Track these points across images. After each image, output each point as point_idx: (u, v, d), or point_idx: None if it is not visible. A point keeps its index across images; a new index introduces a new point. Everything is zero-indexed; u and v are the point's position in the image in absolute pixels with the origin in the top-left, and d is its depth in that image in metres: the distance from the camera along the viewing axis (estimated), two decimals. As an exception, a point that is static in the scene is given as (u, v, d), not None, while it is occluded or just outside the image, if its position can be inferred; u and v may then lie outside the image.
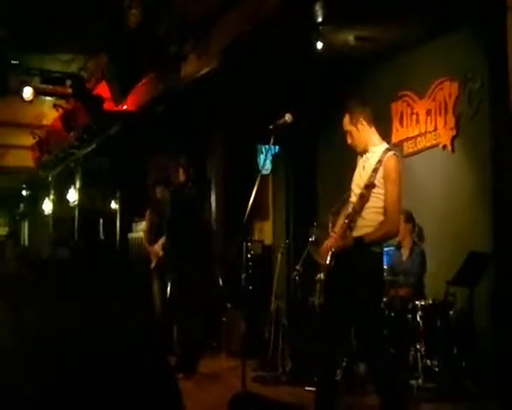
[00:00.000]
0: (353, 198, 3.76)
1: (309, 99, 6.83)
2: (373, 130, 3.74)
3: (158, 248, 6.51)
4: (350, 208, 3.75)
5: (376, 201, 3.63)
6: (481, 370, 4.84)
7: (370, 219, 3.65)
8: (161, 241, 6.51)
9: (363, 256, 3.60)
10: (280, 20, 5.30)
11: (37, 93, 8.13)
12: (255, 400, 4.42)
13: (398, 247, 5.62)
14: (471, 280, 4.99)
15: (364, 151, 3.75)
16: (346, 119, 3.72)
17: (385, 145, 3.74)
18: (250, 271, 5.68)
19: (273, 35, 5.62)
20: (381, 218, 3.64)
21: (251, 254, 6.39)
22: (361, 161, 3.78)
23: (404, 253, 5.60)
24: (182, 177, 6.11)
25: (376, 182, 3.62)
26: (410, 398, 4.37)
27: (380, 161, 3.63)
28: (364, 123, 3.68)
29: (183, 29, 6.25)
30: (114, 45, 6.86)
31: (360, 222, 3.65)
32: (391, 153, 3.67)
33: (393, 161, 3.63)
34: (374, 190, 3.62)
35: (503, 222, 4.39)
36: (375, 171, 3.62)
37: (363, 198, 3.63)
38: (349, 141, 3.75)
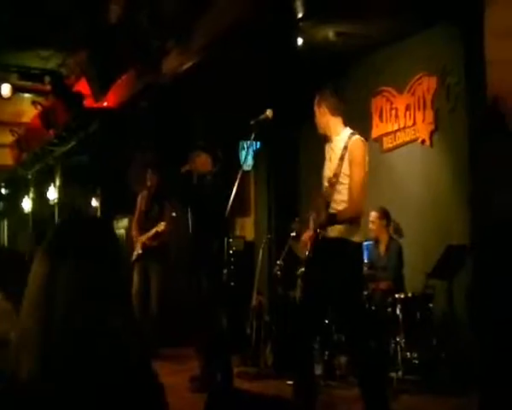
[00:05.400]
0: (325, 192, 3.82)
1: (290, 94, 6.85)
2: (337, 119, 3.84)
3: (144, 238, 6.49)
4: (322, 200, 3.80)
5: (347, 192, 3.68)
6: (461, 361, 4.89)
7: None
8: (151, 233, 6.45)
9: (343, 247, 3.64)
10: (261, 16, 5.31)
11: (16, 90, 8.03)
12: (237, 394, 4.42)
13: (376, 242, 5.70)
14: (449, 273, 5.05)
15: (326, 136, 3.87)
16: (315, 100, 3.93)
17: (348, 130, 3.81)
18: (232, 266, 5.67)
19: (254, 31, 5.62)
20: None
21: (233, 250, 6.39)
22: (327, 153, 3.87)
23: (381, 248, 5.68)
24: (208, 166, 5.29)
25: (344, 170, 3.67)
26: (390, 390, 4.41)
27: (345, 147, 3.70)
28: (326, 110, 3.84)
29: (165, 24, 6.22)
30: (94, 41, 6.80)
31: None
32: (355, 137, 3.75)
33: (358, 145, 3.72)
34: (343, 181, 3.66)
35: (479, 215, 4.45)
36: (342, 158, 3.68)
37: (334, 187, 3.68)
38: (315, 119, 3.94)
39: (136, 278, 6.55)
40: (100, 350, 1.09)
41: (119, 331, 1.13)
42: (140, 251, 6.52)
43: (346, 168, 3.66)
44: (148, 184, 6.66)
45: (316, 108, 3.92)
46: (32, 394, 1.05)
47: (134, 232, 6.70)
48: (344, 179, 3.68)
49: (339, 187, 3.68)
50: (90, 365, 1.07)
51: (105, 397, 1.08)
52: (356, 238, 3.72)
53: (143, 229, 6.58)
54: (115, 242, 1.26)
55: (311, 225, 3.90)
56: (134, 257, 6.59)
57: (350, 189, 3.65)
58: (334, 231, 3.70)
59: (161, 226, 6.38)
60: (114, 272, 1.18)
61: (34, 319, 1.09)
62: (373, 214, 5.58)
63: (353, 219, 3.72)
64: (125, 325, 1.16)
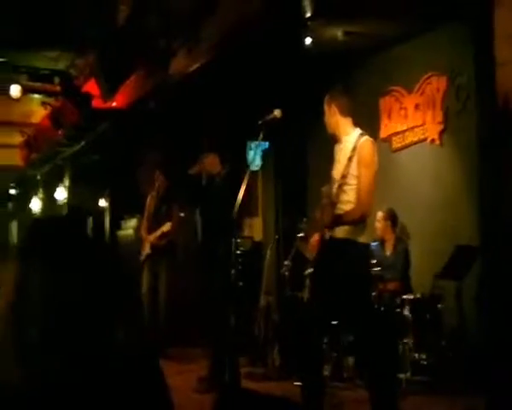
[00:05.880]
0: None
1: (298, 94, 6.83)
2: (346, 120, 3.80)
3: (152, 237, 6.51)
4: (328, 200, 3.78)
5: (354, 193, 3.66)
6: (469, 363, 4.86)
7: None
8: (158, 233, 6.47)
9: (349, 248, 3.63)
10: (269, 15, 5.30)
11: (25, 91, 8.06)
12: (245, 395, 4.40)
13: (381, 243, 5.68)
14: (458, 274, 5.02)
15: (335, 137, 3.83)
16: (325, 99, 3.87)
17: (358, 131, 3.77)
18: (240, 267, 5.66)
19: (262, 30, 5.61)
20: None
21: (240, 251, 6.37)
22: (336, 154, 3.84)
23: (388, 249, 5.68)
24: (217, 166, 5.27)
25: (352, 171, 3.63)
26: (399, 391, 4.38)
27: (354, 149, 3.67)
28: (335, 109, 3.78)
29: (173, 25, 6.22)
30: (103, 42, 6.82)
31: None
32: (365, 138, 3.71)
33: (368, 146, 3.68)
34: (350, 182, 3.64)
35: (489, 215, 4.42)
36: (351, 159, 3.65)
37: (341, 188, 3.66)
38: (324, 119, 3.89)
39: (144, 277, 6.58)
40: (90, 353, 1.07)
41: (111, 334, 1.11)
42: (149, 251, 6.55)
43: (354, 169, 3.64)
44: (156, 184, 6.70)
45: (325, 108, 3.86)
46: (9, 395, 1.04)
47: (143, 233, 6.73)
48: (351, 180, 3.66)
49: (346, 187, 3.66)
50: (83, 368, 1.06)
51: (108, 398, 1.07)
52: (362, 239, 3.71)
53: (152, 229, 6.61)
54: (92, 241, 1.23)
55: (316, 224, 3.89)
56: (143, 257, 6.62)
57: (358, 190, 3.64)
58: (341, 231, 3.68)
59: (167, 226, 6.43)
60: (97, 272, 1.15)
61: (6, 322, 1.08)
62: (379, 215, 5.60)
63: (359, 221, 3.71)
64: (121, 326, 1.14)
